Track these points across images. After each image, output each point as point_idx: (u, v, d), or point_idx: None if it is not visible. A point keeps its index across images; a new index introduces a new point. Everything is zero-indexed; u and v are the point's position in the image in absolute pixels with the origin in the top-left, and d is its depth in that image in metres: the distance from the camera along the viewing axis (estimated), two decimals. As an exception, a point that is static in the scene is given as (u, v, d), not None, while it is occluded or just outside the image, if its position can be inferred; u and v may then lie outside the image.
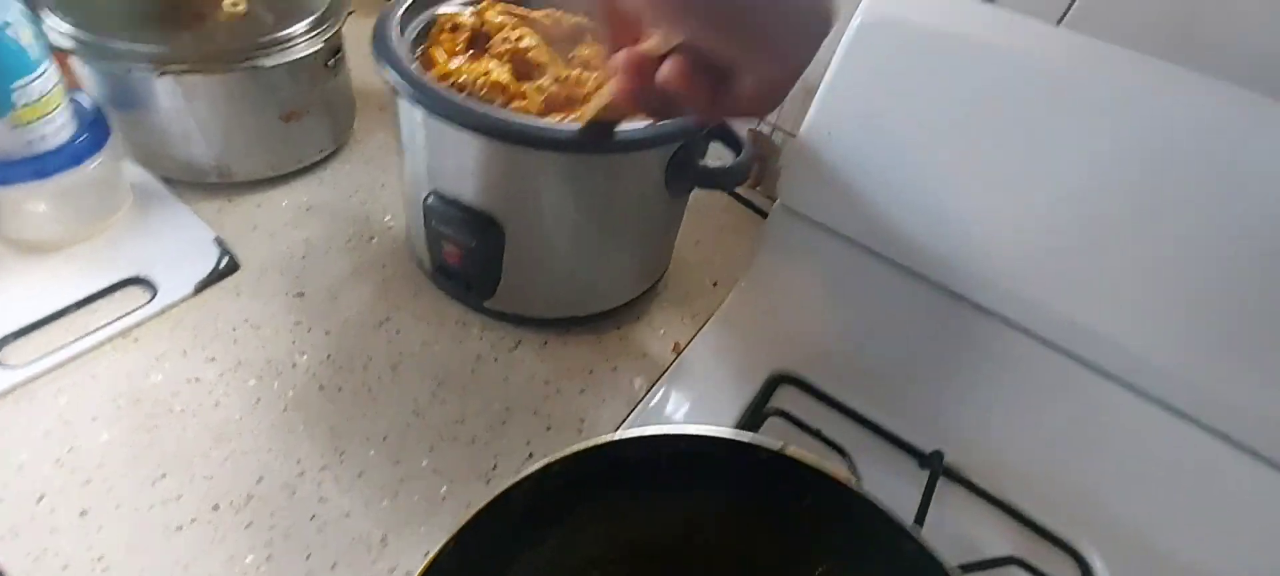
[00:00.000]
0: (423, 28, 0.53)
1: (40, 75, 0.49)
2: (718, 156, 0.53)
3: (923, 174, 0.50)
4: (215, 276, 0.56)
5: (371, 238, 0.63)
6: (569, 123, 0.45)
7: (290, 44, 0.58)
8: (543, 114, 0.48)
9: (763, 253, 0.62)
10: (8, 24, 0.46)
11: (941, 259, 0.51)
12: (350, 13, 0.66)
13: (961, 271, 0.51)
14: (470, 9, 0.55)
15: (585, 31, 0.57)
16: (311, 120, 0.64)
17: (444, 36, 0.51)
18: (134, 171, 0.62)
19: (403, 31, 0.50)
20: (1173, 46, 0.51)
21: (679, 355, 0.59)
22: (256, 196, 0.64)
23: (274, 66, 0.57)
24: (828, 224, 0.57)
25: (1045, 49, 0.44)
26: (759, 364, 0.57)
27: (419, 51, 0.52)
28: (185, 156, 0.60)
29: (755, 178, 0.78)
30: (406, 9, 0.51)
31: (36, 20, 0.49)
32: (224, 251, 0.58)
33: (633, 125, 0.44)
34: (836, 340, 0.58)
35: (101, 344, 0.50)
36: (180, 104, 0.56)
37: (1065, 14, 0.54)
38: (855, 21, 0.48)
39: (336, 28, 0.63)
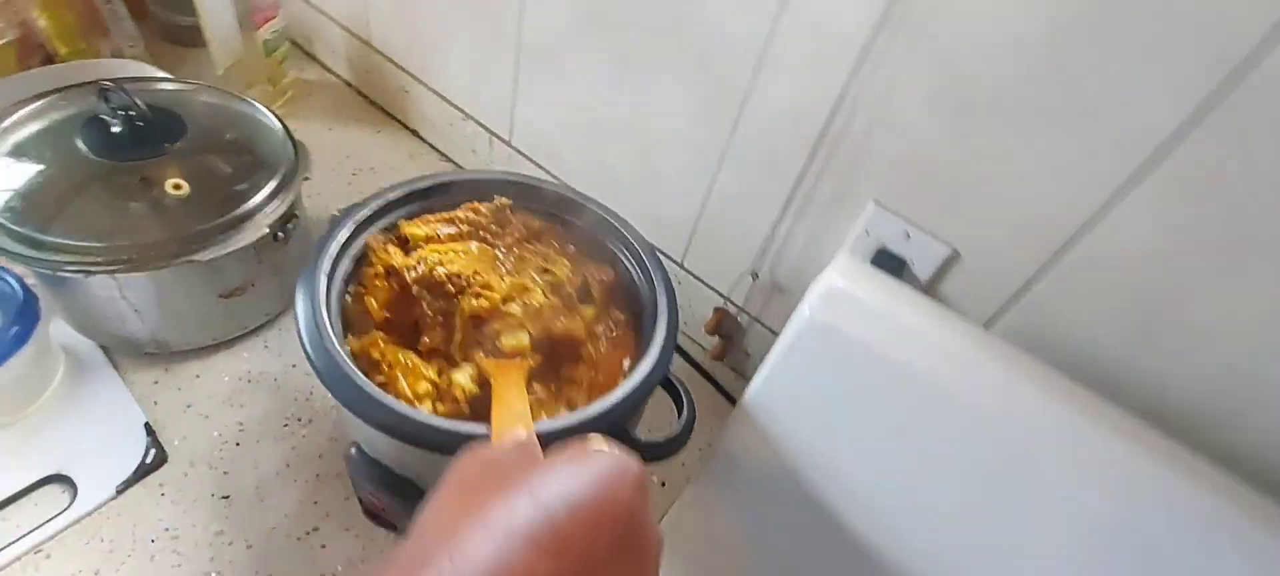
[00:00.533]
0: (358, 255, 0.51)
1: (-42, 288, 0.47)
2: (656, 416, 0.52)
3: (851, 475, 0.48)
4: (140, 473, 0.55)
5: (310, 420, 0.61)
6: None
7: (235, 232, 0.56)
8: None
9: (698, 485, 0.61)
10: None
11: (863, 546, 0.50)
12: (306, 178, 0.63)
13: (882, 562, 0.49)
14: (390, 238, 0.53)
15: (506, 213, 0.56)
16: (257, 290, 0.62)
17: (377, 283, 0.49)
18: (67, 334, 0.60)
19: (334, 269, 0.48)
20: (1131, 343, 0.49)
21: None
22: (196, 365, 0.62)
23: (214, 259, 0.55)
24: (763, 482, 0.55)
25: (974, 381, 0.42)
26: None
27: (351, 289, 0.50)
28: (120, 332, 0.58)
29: (719, 351, 0.76)
30: (339, 247, 0.49)
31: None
32: (152, 442, 0.56)
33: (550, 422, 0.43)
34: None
35: (9, 565, 0.49)
36: (113, 293, 0.55)
37: (1003, 312, 0.52)
38: (803, 313, 0.46)
39: (289, 201, 0.60)
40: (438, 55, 0.84)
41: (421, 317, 0.48)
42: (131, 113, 0.56)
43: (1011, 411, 0.42)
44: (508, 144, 0.82)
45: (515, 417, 0.40)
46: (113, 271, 0.52)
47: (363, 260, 0.51)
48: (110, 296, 0.55)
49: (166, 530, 0.53)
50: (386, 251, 0.50)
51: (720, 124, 0.62)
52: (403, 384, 0.45)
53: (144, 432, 0.57)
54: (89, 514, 0.52)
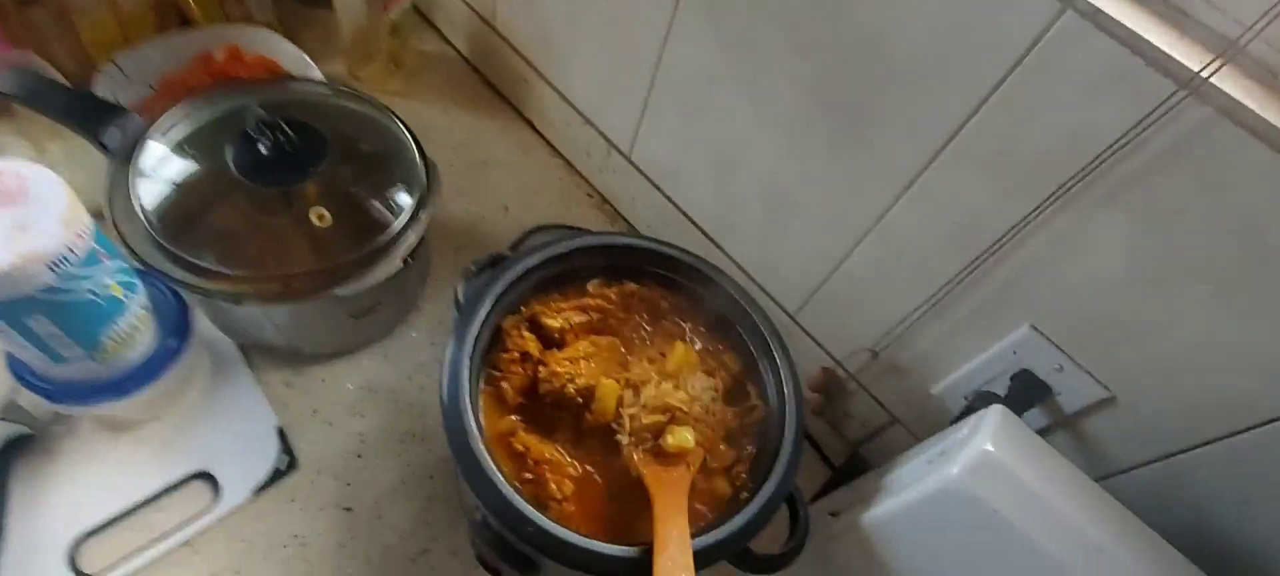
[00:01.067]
0: (492, 336, 0.51)
1: (127, 314, 0.49)
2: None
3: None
4: (275, 476, 0.59)
5: (423, 437, 0.64)
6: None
7: (372, 266, 0.57)
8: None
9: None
10: (105, 285, 0.46)
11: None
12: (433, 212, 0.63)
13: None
14: (523, 321, 0.53)
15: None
16: (383, 309, 0.64)
17: (513, 368, 0.49)
18: (207, 329, 0.63)
19: (474, 350, 0.48)
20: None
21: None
22: (321, 370, 0.65)
23: (349, 294, 0.56)
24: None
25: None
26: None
27: (486, 372, 0.50)
28: (258, 338, 0.61)
29: (819, 406, 0.74)
30: (477, 331, 0.49)
31: (125, 265, 0.49)
32: (284, 447, 0.60)
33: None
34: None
35: (165, 554, 0.54)
36: (257, 314, 0.57)
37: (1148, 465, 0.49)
38: (950, 472, 0.44)
39: (422, 229, 0.60)
40: (563, 55, 0.81)
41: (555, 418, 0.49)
42: (279, 138, 0.56)
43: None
44: (626, 158, 0.79)
45: (679, 569, 0.40)
46: (261, 303, 0.54)
47: (496, 341, 0.51)
48: (253, 316, 0.57)
49: (295, 536, 0.57)
50: (522, 336, 0.50)
51: (871, 206, 0.58)
52: (552, 485, 0.46)
53: (277, 437, 0.60)
54: (231, 513, 0.57)
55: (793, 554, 0.49)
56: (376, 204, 0.60)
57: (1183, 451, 0.50)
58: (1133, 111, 0.41)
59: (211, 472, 0.58)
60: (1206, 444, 0.48)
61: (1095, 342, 0.51)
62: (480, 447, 0.43)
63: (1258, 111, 0.36)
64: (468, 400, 0.45)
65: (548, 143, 0.89)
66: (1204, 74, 0.36)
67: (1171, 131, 0.40)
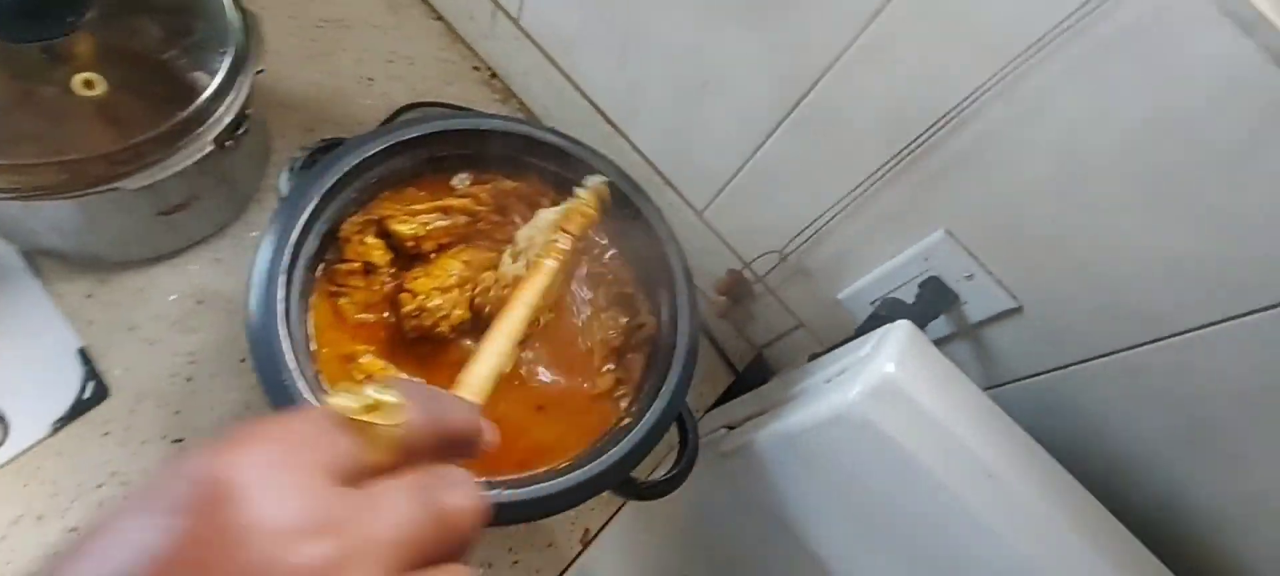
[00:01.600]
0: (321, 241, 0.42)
1: None
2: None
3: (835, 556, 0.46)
4: (79, 408, 0.49)
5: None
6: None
7: (171, 150, 0.45)
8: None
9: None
10: None
11: None
12: (260, 72, 0.50)
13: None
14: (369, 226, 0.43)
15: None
16: (203, 203, 0.52)
17: (353, 282, 0.40)
18: (-23, 232, 0.50)
19: (296, 257, 0.39)
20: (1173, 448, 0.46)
21: (585, 547, 0.57)
22: (137, 278, 0.54)
23: (143, 188, 0.44)
24: (733, 528, 0.53)
25: (1011, 517, 0.39)
26: (668, 568, 0.57)
27: (318, 282, 0.41)
28: (37, 244, 0.49)
29: (724, 310, 0.70)
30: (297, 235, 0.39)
31: None
32: (90, 372, 0.50)
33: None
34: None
35: (-62, 505, 0.45)
36: (19, 212, 0.44)
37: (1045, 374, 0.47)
38: (846, 397, 0.40)
39: (240, 101, 0.48)
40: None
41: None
42: (12, -29, 0.41)
43: (1039, 559, 0.39)
44: (516, 22, 0.66)
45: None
46: (18, 199, 0.42)
47: (333, 242, 0.42)
48: (16, 215, 0.45)
49: (114, 474, 0.49)
50: (364, 243, 0.41)
51: (789, 87, 0.50)
52: None
53: (79, 360, 0.50)
54: (26, 451, 0.47)
55: (678, 478, 0.45)
56: (177, 69, 0.47)
57: (1081, 362, 0.48)
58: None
59: (-7, 405, 0.48)
60: (1105, 355, 0.46)
61: (1009, 251, 0.47)
62: (294, 380, 0.36)
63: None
64: (282, 321, 0.37)
65: (424, 1, 0.74)
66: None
67: (1139, 5, 0.34)
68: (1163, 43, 0.34)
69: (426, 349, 0.42)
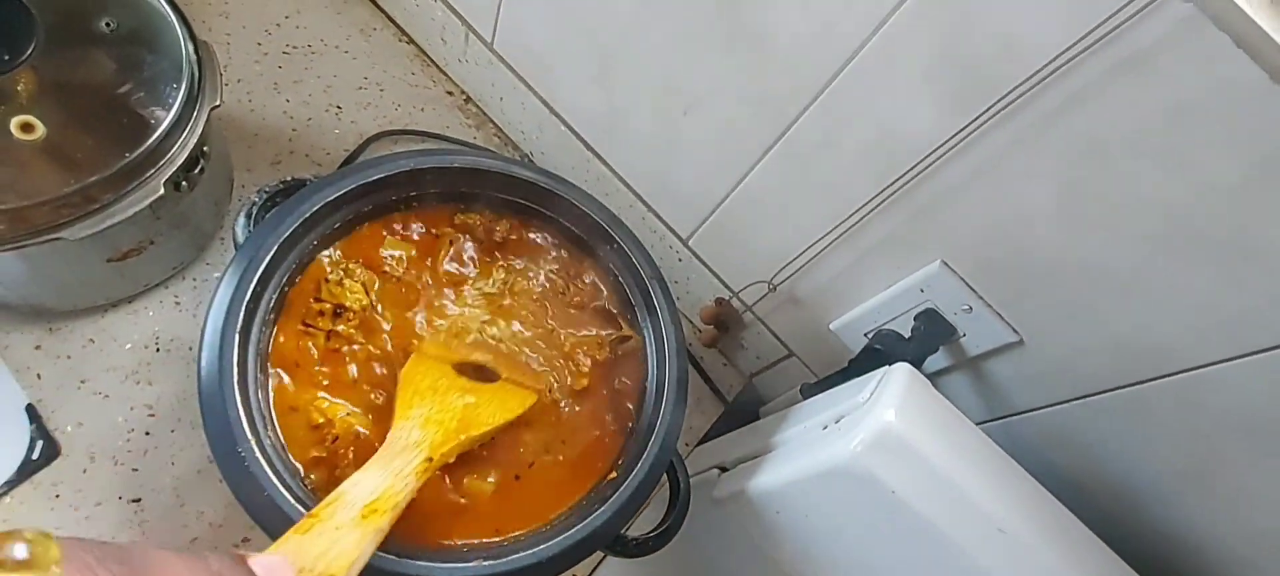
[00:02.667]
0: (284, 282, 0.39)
1: None
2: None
3: None
4: (27, 470, 0.46)
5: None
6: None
7: (119, 197, 0.42)
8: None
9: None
10: None
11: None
12: (217, 106, 0.47)
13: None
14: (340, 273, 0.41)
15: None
16: (158, 247, 0.49)
17: (319, 322, 0.38)
18: (-90, 282, 0.47)
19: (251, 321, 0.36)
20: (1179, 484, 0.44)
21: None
22: (87, 326, 0.50)
23: (88, 237, 0.41)
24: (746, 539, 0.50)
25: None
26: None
27: (275, 328, 0.38)
28: (-22, 294, 0.46)
29: (711, 338, 0.67)
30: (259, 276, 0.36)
31: None
32: (40, 431, 0.46)
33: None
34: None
35: None
36: (-46, 264, 0.41)
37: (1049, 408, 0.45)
38: (848, 447, 0.38)
39: (194, 140, 0.45)
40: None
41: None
42: (-61, 9, 0.38)
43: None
44: (488, 46, 0.64)
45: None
46: (-58, 252, 0.39)
47: (299, 277, 0.39)
48: (-49, 266, 0.42)
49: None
50: (341, 287, 0.39)
51: (775, 115, 0.48)
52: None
53: (25, 417, 0.47)
54: (-35, 519, 0.44)
55: (670, 532, 0.43)
56: (126, 107, 0.44)
57: (1084, 397, 0.46)
58: (1100, 5, 0.32)
59: (-70, 471, 0.44)
60: (1109, 391, 0.45)
61: (1009, 282, 0.45)
62: (252, 450, 0.33)
63: (1250, 13, 0.28)
64: (236, 387, 0.34)
65: (394, 22, 0.71)
66: (1193, -37, 0.27)
67: (1141, 35, 0.32)
68: (1165, 75, 0.33)
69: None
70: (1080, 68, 0.34)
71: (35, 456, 0.46)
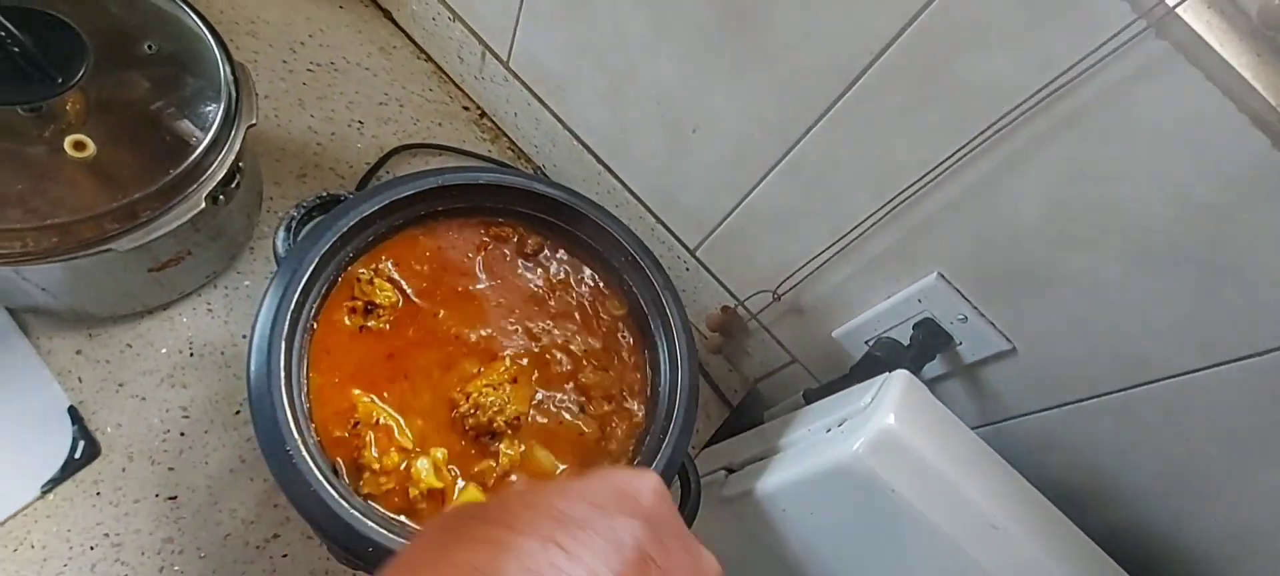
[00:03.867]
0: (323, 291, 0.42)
1: None
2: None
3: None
4: (70, 468, 0.48)
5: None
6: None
7: (163, 210, 0.45)
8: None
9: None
10: None
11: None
12: (252, 125, 0.50)
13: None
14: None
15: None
16: (195, 258, 0.51)
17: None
18: (-40, 290, 0.49)
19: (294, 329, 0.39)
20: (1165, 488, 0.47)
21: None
22: (125, 332, 0.53)
23: (132, 249, 0.44)
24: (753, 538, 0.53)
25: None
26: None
27: (314, 325, 0.41)
28: (26, 303, 0.48)
29: (717, 345, 0.70)
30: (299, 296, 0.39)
31: None
32: (82, 432, 0.49)
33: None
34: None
35: (-77, 577, 0.44)
36: (10, 275, 0.44)
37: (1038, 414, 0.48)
38: (850, 447, 0.41)
39: (232, 157, 0.48)
40: (422, -74, 0.65)
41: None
42: (4, 38, 0.41)
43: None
44: (504, 64, 0.67)
45: None
46: (5, 264, 0.41)
47: (337, 284, 0.42)
48: (6, 276, 0.44)
49: (107, 536, 0.48)
50: (372, 286, 0.41)
51: (781, 134, 0.51)
52: (372, 452, 0.39)
53: (69, 419, 0.49)
54: (13, 516, 0.46)
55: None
56: (167, 125, 0.47)
57: (1075, 402, 0.49)
58: (1084, 41, 0.35)
59: (-20, 469, 0.47)
60: (1099, 397, 0.47)
61: (1003, 294, 0.48)
62: (299, 449, 0.35)
63: (1219, 51, 0.31)
64: (283, 389, 0.36)
65: (413, 41, 0.74)
66: (1170, 2, 0.30)
67: (1121, 68, 0.34)
68: (1144, 105, 0.35)
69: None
70: (1066, 97, 0.37)
71: (77, 456, 0.49)
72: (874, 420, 0.40)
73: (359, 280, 0.44)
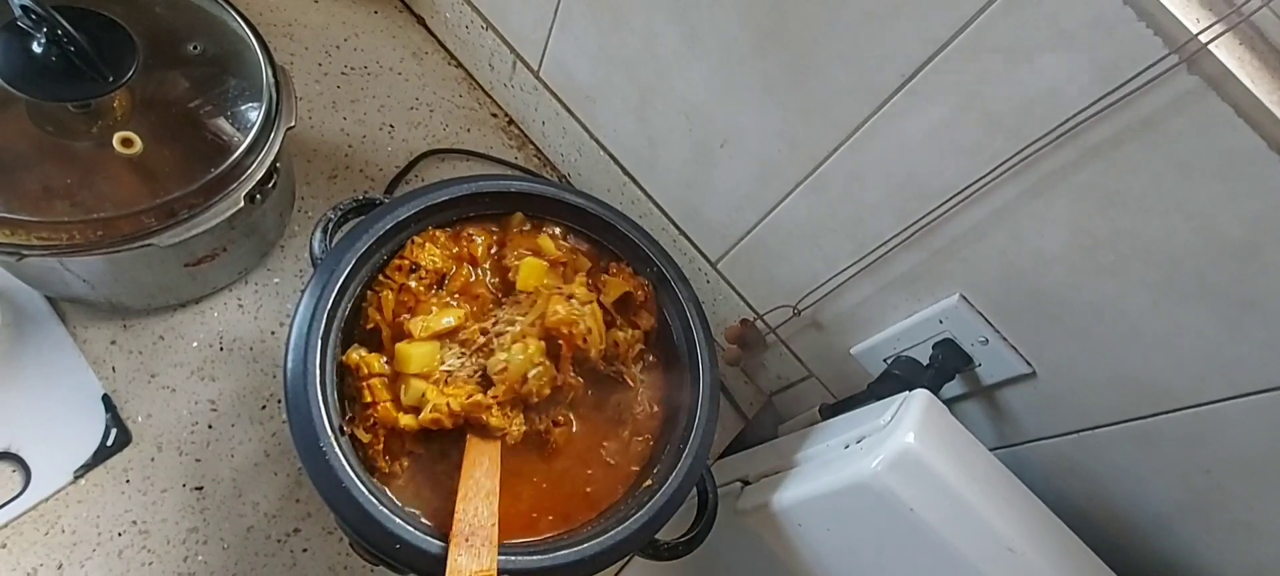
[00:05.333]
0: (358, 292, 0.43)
1: None
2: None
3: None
4: (101, 455, 0.49)
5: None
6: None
7: (204, 207, 0.46)
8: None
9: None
10: None
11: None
12: (292, 127, 0.51)
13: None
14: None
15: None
16: (229, 254, 0.53)
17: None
18: (5, 280, 0.50)
19: (334, 321, 0.40)
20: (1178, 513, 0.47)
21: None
22: (158, 325, 0.54)
23: (174, 244, 0.45)
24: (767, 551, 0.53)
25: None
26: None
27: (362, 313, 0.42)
28: (66, 293, 0.50)
29: (734, 357, 0.71)
30: (338, 289, 0.40)
31: None
32: (114, 420, 0.50)
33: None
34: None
35: (-41, 555, 0.45)
36: (55, 265, 0.45)
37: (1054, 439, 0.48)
38: (868, 466, 0.41)
39: (271, 158, 0.49)
40: (458, -63, 0.67)
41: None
42: (60, 34, 0.42)
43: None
44: (535, 74, 0.68)
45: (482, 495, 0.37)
46: (52, 255, 0.42)
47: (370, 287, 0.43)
48: (51, 266, 0.45)
49: (134, 523, 0.49)
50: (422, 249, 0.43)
51: (808, 153, 0.52)
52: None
53: (102, 407, 0.50)
54: (46, 499, 0.47)
55: (698, 538, 0.46)
56: (209, 125, 0.48)
57: (1093, 428, 0.49)
58: (1114, 73, 0.35)
59: (17, 453, 0.48)
60: (1119, 423, 0.47)
61: (1024, 318, 0.48)
62: (333, 446, 0.36)
63: (1251, 88, 0.31)
64: (318, 387, 0.37)
65: (444, 48, 0.76)
66: (1203, 38, 0.30)
67: (1152, 101, 0.35)
68: (1173, 138, 0.36)
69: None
70: (1097, 126, 0.37)
71: (109, 443, 0.50)
72: (894, 438, 0.40)
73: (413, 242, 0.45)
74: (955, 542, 0.39)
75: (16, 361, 0.50)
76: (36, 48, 0.43)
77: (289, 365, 0.37)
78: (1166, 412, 0.44)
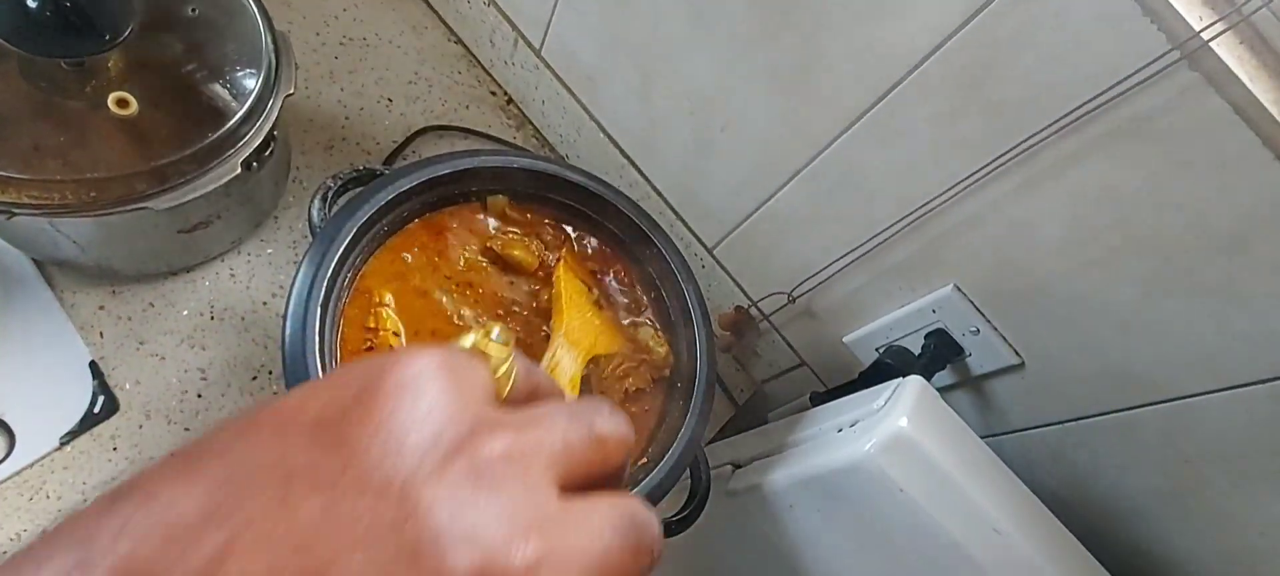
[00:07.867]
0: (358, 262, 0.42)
1: None
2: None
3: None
4: (88, 422, 0.49)
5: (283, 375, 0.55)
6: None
7: (200, 172, 0.45)
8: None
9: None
10: None
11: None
12: (290, 94, 0.51)
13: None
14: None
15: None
16: (223, 222, 0.52)
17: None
18: (-10, 239, 0.50)
19: (334, 290, 0.39)
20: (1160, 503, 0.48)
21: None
22: (148, 292, 0.53)
23: (168, 209, 0.45)
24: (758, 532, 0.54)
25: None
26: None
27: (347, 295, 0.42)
28: (55, 255, 0.49)
29: (728, 344, 0.71)
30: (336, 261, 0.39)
31: None
32: (100, 385, 0.49)
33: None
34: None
35: (-59, 519, 0.44)
36: (45, 226, 0.44)
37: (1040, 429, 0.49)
38: (861, 448, 0.42)
39: (269, 125, 0.49)
40: (461, -90, 0.66)
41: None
42: (56, -9, 0.41)
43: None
44: (537, 52, 0.67)
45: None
46: (42, 216, 0.42)
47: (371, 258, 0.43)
48: (41, 227, 0.44)
49: (122, 491, 0.48)
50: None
51: (809, 140, 0.52)
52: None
53: (89, 373, 0.50)
54: (30, 465, 0.47)
55: (690, 519, 0.46)
56: (206, 89, 0.47)
57: (1078, 419, 0.50)
58: (1118, 67, 0.36)
59: (2, 418, 0.47)
60: (1104, 414, 0.48)
61: (1015, 310, 0.49)
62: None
63: (1249, 86, 0.32)
64: (317, 352, 0.37)
65: (445, 23, 0.75)
66: (1205, 35, 0.31)
67: (1152, 96, 0.36)
68: (1171, 133, 0.36)
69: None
70: (1097, 120, 0.38)
71: (97, 410, 0.49)
72: (887, 421, 0.41)
73: None
74: (944, 523, 0.40)
75: (2, 325, 0.49)
76: (31, 2, 0.41)
77: (287, 330, 0.36)
78: (1150, 404, 0.45)
